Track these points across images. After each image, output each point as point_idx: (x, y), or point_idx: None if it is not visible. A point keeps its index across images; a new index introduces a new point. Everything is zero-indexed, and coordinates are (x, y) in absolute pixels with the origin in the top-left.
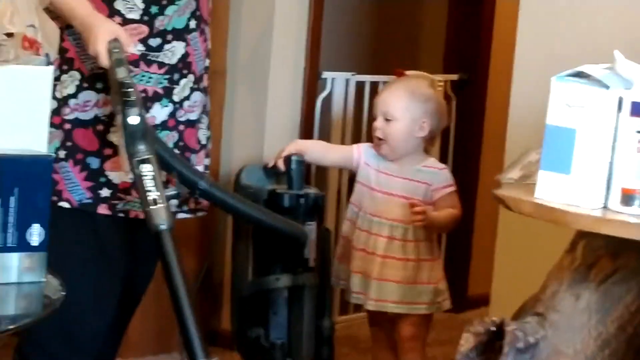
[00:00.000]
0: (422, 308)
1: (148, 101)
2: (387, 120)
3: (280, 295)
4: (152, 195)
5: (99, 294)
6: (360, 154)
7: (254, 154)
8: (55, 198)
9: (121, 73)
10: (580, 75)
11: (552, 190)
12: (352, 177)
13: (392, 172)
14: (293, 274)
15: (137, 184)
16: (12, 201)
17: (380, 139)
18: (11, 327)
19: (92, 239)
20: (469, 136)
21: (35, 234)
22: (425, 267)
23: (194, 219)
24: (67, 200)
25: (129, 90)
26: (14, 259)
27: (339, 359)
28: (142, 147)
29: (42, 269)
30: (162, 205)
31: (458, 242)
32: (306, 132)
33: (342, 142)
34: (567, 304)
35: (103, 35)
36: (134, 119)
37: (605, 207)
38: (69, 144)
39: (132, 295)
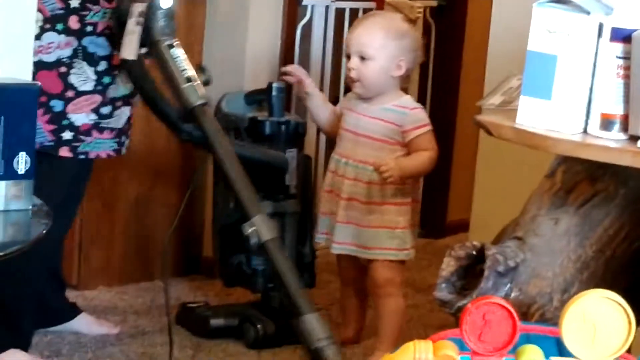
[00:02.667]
0: (389, 254)
1: None
2: (362, 59)
3: None
4: (187, 73)
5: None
6: (341, 101)
7: (234, 83)
8: None
9: None
10: (560, 1)
11: (532, 115)
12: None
13: (361, 111)
14: (274, 201)
15: (168, 65)
16: None
17: (354, 80)
18: (0, 254)
19: (50, 181)
20: (448, 62)
21: (22, 162)
22: (390, 212)
23: (177, 148)
24: None
25: None
26: (1, 187)
27: (320, 285)
28: (169, 31)
29: (29, 197)
30: (197, 82)
31: (437, 169)
32: (286, 60)
33: (322, 69)
34: (547, 228)
35: None
36: (167, 2)
37: (585, 132)
38: None
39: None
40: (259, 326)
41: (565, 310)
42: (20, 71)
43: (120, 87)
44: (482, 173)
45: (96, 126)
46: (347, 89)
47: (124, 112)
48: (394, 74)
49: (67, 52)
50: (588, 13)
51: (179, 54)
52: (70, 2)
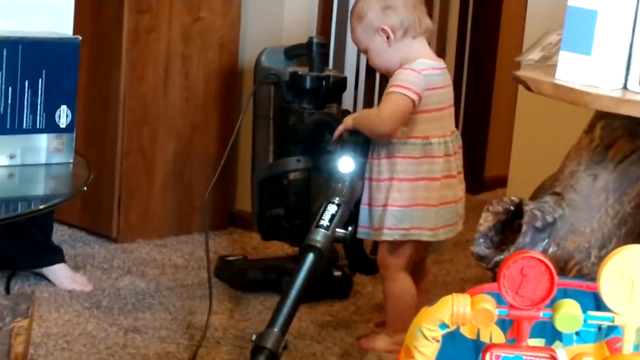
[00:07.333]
0: (380, 234)
1: None
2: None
3: (300, 177)
4: (323, 222)
5: None
6: None
7: (273, 36)
8: None
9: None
10: None
11: (572, 71)
12: None
13: None
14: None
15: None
16: (40, 83)
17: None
18: (42, 207)
19: None
20: (487, 17)
21: (63, 116)
22: (380, 188)
23: (216, 102)
24: None
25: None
26: (43, 141)
27: None
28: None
29: (70, 150)
30: (324, 231)
31: (475, 124)
32: (325, 15)
33: None
34: (585, 183)
35: None
36: (347, 166)
37: (624, 88)
38: None
39: None
40: None
41: (603, 266)
42: (61, 25)
43: None
44: (520, 128)
45: None
46: None
47: None
48: (388, 44)
49: None
50: None
51: (331, 210)
52: None
